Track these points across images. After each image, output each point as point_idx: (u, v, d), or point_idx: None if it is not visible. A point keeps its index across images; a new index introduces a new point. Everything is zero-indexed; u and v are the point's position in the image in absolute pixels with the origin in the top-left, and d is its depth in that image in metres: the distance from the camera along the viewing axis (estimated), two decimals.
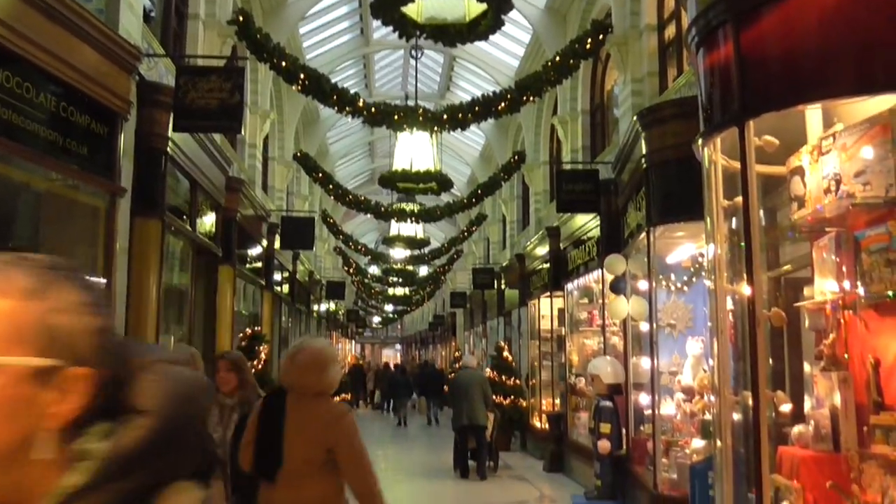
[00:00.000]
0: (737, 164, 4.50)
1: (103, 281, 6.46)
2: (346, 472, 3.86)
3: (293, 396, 4.00)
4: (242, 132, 12.61)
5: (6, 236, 6.28)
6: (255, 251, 13.32)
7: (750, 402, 4.34)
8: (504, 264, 20.64)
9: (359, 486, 3.85)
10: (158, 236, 7.33)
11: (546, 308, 15.49)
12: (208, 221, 9.67)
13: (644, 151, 8.16)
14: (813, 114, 4.47)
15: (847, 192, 3.95)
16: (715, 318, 4.81)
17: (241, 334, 10.17)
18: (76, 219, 6.72)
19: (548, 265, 14.71)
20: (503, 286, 20.94)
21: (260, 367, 9.72)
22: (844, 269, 4.27)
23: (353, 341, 51.30)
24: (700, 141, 4.86)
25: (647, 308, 8.68)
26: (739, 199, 4.56)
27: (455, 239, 23.35)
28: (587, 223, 11.93)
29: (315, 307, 24.44)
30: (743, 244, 4.53)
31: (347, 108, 10.12)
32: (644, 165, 8.18)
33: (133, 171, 7.08)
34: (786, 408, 4.53)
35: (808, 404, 4.71)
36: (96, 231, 6.61)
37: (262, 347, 9.95)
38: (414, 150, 13.38)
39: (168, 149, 7.57)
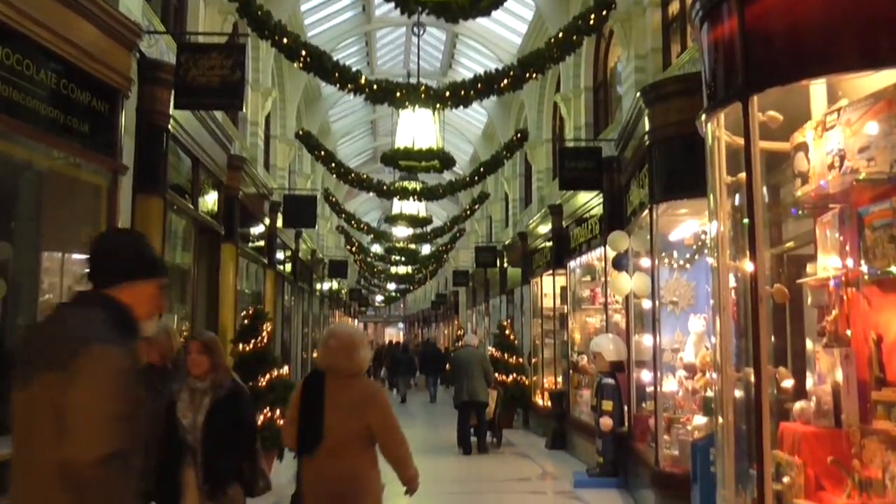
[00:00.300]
0: (740, 141, 4.48)
1: None
2: (382, 442, 4.38)
3: (330, 377, 4.43)
4: (244, 110, 12.58)
5: (8, 215, 6.27)
6: (257, 230, 13.32)
7: (752, 378, 4.35)
8: (506, 242, 20.64)
9: (393, 453, 4.41)
10: (160, 214, 7.32)
11: (548, 286, 15.51)
12: (210, 200, 9.66)
13: (647, 128, 8.12)
14: (817, 89, 4.44)
15: (851, 168, 3.93)
16: (717, 295, 4.81)
17: (244, 312, 10.17)
18: (78, 197, 6.71)
19: (550, 243, 14.71)
20: (506, 264, 20.96)
21: (263, 344, 9.73)
22: (848, 245, 4.26)
23: (356, 320, 51.40)
24: (703, 117, 4.83)
25: (650, 285, 8.67)
26: (743, 175, 4.54)
27: (457, 217, 23.31)
28: (590, 201, 11.91)
29: (318, 286, 24.46)
30: (746, 220, 4.52)
31: (349, 86, 10.06)
32: (647, 142, 8.15)
33: (134, 148, 7.06)
34: (787, 384, 4.53)
35: (809, 381, 4.72)
36: (98, 209, 6.60)
37: (265, 325, 9.94)
38: (416, 128, 13.31)
39: (169, 126, 7.55)
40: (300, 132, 15.04)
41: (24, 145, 5.77)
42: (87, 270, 2.61)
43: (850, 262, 4.24)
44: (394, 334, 57.46)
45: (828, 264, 4.45)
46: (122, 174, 6.56)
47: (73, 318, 2.44)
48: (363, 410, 4.32)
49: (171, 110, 7.53)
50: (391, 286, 40.73)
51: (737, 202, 4.93)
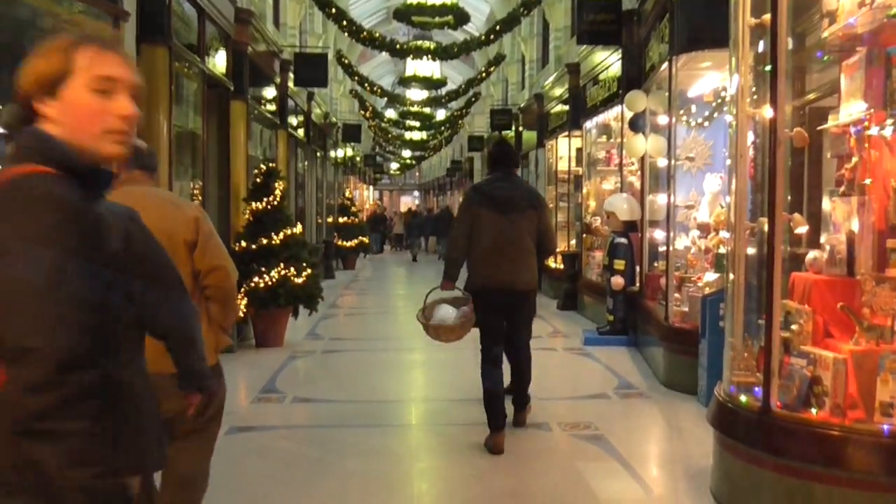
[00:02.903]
0: None
1: None
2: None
3: None
4: None
5: (13, 75, 6.10)
6: (268, 90, 13.06)
7: (766, 227, 4.29)
8: (522, 105, 20.29)
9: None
10: (166, 65, 7.10)
11: (564, 149, 15.33)
12: (218, 54, 9.40)
13: None
14: None
15: (883, 4, 3.73)
16: (735, 146, 4.68)
17: (256, 170, 10.05)
18: None
19: (566, 106, 14.41)
20: (521, 128, 20.68)
21: (276, 203, 9.68)
22: (873, 88, 4.09)
23: (372, 188, 51.42)
24: None
25: (666, 144, 8.51)
26: (767, 16, 4.33)
27: (473, 80, 22.79)
28: (607, 58, 11.56)
29: (332, 153, 24.23)
30: (768, 68, 4.34)
31: None
32: None
33: None
34: (802, 230, 4.48)
35: (823, 237, 4.67)
36: None
37: (278, 184, 9.86)
38: None
39: None
40: None
41: None
42: (498, 158, 5.73)
43: (874, 107, 4.08)
44: (409, 202, 57.47)
45: (851, 111, 4.30)
46: (123, 21, 6.34)
47: (525, 183, 6.06)
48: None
49: None
50: (406, 153, 40.47)
51: (760, 49, 4.74)
